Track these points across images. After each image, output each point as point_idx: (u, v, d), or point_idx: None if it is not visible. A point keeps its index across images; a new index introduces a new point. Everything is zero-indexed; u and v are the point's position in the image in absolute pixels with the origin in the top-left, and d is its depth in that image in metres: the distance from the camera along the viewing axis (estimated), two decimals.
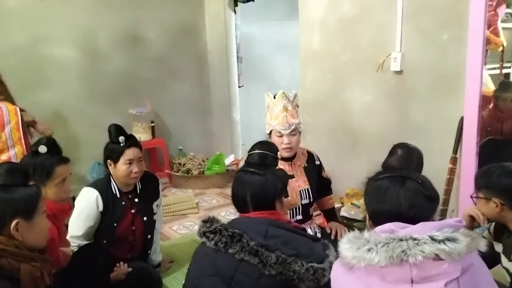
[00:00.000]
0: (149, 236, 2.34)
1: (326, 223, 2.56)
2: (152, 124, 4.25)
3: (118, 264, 2.10)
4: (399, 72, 2.97)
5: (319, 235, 2.37)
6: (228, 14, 4.48)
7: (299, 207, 2.33)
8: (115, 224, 2.18)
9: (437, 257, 1.07)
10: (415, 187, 1.21)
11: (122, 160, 2.16)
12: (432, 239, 1.07)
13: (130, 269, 2.11)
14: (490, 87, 2.77)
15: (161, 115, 4.44)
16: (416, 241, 1.07)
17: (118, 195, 2.22)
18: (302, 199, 2.33)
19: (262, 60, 5.00)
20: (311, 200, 2.37)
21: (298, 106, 2.41)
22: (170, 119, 4.54)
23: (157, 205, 2.37)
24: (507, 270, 1.68)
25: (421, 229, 1.11)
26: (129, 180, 2.21)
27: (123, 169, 2.17)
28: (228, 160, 4.40)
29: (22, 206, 1.37)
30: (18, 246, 1.35)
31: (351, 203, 3.10)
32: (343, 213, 3.01)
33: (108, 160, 2.19)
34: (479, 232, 2.46)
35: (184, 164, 4.35)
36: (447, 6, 2.65)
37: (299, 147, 2.43)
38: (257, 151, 1.91)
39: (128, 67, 4.17)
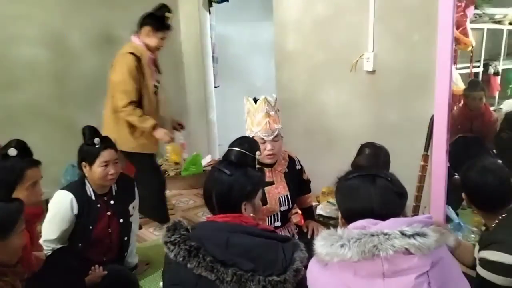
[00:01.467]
0: (125, 238, 2.32)
1: (303, 221, 2.58)
2: None
3: (93, 268, 2.07)
4: (372, 72, 3.02)
5: (296, 236, 2.36)
6: (203, 14, 4.48)
7: (277, 213, 2.28)
8: (90, 227, 2.16)
9: (407, 252, 1.10)
10: (385, 184, 1.25)
11: (97, 162, 2.14)
12: (402, 234, 1.10)
13: (106, 272, 2.09)
14: (460, 86, 2.84)
15: None
16: (387, 236, 1.10)
17: (94, 198, 2.20)
18: (281, 206, 2.27)
19: (238, 61, 5.00)
20: (290, 206, 2.33)
21: (279, 110, 2.37)
22: None
23: (133, 207, 2.35)
24: (476, 260, 1.74)
25: (392, 225, 1.14)
26: (105, 182, 2.19)
27: (99, 171, 2.14)
28: (205, 161, 4.39)
29: None
30: None
31: (327, 201, 3.14)
32: (319, 211, 3.05)
33: (83, 163, 2.16)
34: (451, 227, 2.54)
35: (160, 165, 4.31)
36: (417, 7, 2.71)
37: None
38: (236, 148, 1.89)
39: (102, 67, 4.07)
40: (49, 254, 2.05)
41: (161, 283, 1.60)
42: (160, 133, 2.90)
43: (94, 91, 4.07)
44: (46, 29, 3.78)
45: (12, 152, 1.83)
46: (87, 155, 2.16)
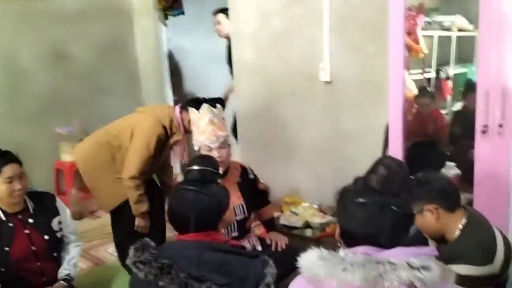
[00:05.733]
0: (55, 254, 2.22)
1: (266, 233, 2.56)
2: None
3: None
4: (329, 82, 3.08)
5: (259, 247, 2.35)
6: (159, 28, 4.43)
7: (234, 223, 2.26)
8: (6, 249, 2.05)
9: (411, 284, 1.07)
10: (397, 218, 1.20)
11: (0, 179, 2.02)
12: (409, 265, 1.07)
13: None
14: (414, 91, 2.92)
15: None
16: (393, 266, 1.07)
17: (4, 218, 2.09)
18: (236, 215, 2.26)
19: (195, 72, 4.96)
20: (246, 215, 2.32)
21: (224, 119, 2.35)
22: None
23: (59, 222, 2.23)
24: None
25: (398, 254, 1.11)
26: (13, 200, 2.08)
27: (3, 188, 2.02)
28: None
29: None
30: None
31: (290, 211, 3.14)
32: (282, 221, 3.04)
33: None
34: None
35: None
36: (370, 19, 2.80)
37: (232, 162, 2.38)
38: (196, 167, 1.85)
39: (53, 85, 3.98)
40: None
41: None
42: (141, 222, 2.59)
43: (46, 110, 3.94)
44: None
45: None
46: None
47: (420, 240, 1.85)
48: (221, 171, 2.21)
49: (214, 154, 2.19)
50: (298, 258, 1.16)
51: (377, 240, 1.18)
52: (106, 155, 2.58)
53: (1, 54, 3.68)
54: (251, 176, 2.44)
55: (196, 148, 2.31)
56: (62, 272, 2.23)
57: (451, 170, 2.67)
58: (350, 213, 1.24)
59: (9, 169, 2.04)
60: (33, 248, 2.12)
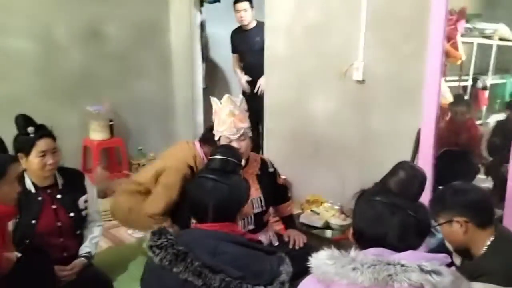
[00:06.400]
0: (78, 232, 2.25)
1: (284, 230, 2.54)
2: (111, 123, 4.12)
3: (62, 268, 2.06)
4: (361, 82, 3.01)
5: (276, 242, 2.34)
6: (194, 14, 4.42)
7: (251, 216, 2.25)
8: (33, 221, 2.08)
9: (421, 287, 1.06)
10: (408, 220, 1.19)
11: (34, 152, 2.04)
12: (421, 268, 1.06)
13: (75, 269, 2.10)
14: (449, 99, 2.83)
15: (121, 114, 4.31)
16: (404, 268, 1.06)
17: (34, 190, 2.12)
18: (254, 208, 2.25)
19: (227, 62, 4.96)
20: (264, 208, 2.30)
21: (246, 111, 2.33)
22: (130, 118, 4.42)
23: (85, 201, 2.27)
24: None
25: (410, 257, 1.10)
26: (44, 173, 2.10)
27: (36, 162, 2.04)
28: None
29: None
30: None
31: (311, 210, 3.10)
32: (302, 219, 3.01)
33: (19, 154, 2.05)
34: (433, 242, 2.52)
35: (143, 165, 4.23)
36: (409, 18, 2.70)
37: (251, 154, 2.36)
38: (219, 156, 1.84)
39: (87, 63, 4.03)
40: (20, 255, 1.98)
41: None
42: None
43: (78, 87, 4.01)
44: (33, 21, 3.70)
45: None
46: (21, 145, 2.06)
47: (443, 252, 1.81)
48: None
49: (234, 145, 2.18)
50: (310, 258, 1.16)
51: (386, 241, 1.18)
52: (138, 199, 2.56)
53: (38, 28, 3.74)
54: (271, 169, 2.42)
55: (216, 138, 2.30)
56: (83, 249, 2.27)
57: (481, 183, 2.59)
58: (362, 211, 1.26)
59: (43, 143, 2.06)
60: (59, 224, 2.16)
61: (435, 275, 1.05)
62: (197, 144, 2.57)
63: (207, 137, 2.45)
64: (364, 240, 1.22)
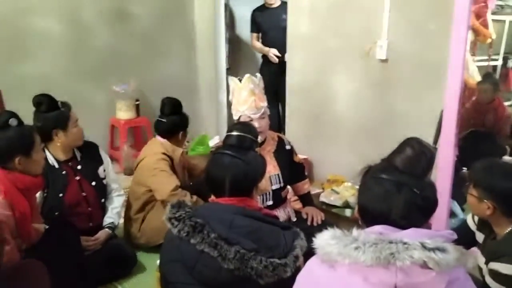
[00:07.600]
0: (102, 200, 2.36)
1: (302, 208, 2.56)
2: (137, 102, 4.20)
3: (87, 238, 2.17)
4: (385, 61, 2.96)
5: (294, 218, 2.37)
6: None
7: (269, 192, 2.30)
8: (61, 195, 2.18)
9: (424, 265, 1.05)
10: (412, 197, 1.18)
11: (71, 124, 2.19)
12: (423, 246, 1.05)
13: (100, 239, 2.22)
14: (477, 78, 2.76)
15: (146, 94, 4.38)
16: (406, 246, 1.05)
17: (57, 166, 2.22)
18: (272, 185, 2.30)
19: (250, 42, 4.95)
20: (282, 184, 2.34)
21: (264, 89, 2.38)
22: (156, 98, 4.42)
23: (104, 170, 2.37)
24: (480, 269, 1.69)
25: (412, 235, 1.10)
26: (80, 142, 2.27)
27: (75, 131, 2.21)
28: (213, 142, 4.37)
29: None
30: None
31: (331, 189, 3.11)
32: (322, 198, 3.03)
33: (54, 130, 2.16)
34: (454, 222, 2.50)
35: None
36: None
37: (269, 132, 2.40)
38: (235, 133, 1.87)
39: (113, 42, 4.10)
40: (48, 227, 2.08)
41: (158, 261, 1.62)
42: None
43: (105, 66, 4.08)
44: (61, 1, 3.76)
45: (14, 122, 1.83)
46: (58, 121, 2.17)
47: (465, 233, 1.81)
48: (259, 140, 2.23)
49: (255, 124, 2.21)
50: (314, 238, 1.17)
51: (390, 218, 1.17)
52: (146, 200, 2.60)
53: (66, 8, 3.80)
54: (288, 147, 2.45)
55: (235, 118, 2.34)
56: (106, 220, 2.38)
57: None
58: (367, 187, 1.25)
59: (73, 114, 2.23)
60: (84, 194, 2.28)
61: (439, 252, 1.04)
62: (159, 138, 2.65)
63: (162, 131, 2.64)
64: (368, 217, 1.22)
